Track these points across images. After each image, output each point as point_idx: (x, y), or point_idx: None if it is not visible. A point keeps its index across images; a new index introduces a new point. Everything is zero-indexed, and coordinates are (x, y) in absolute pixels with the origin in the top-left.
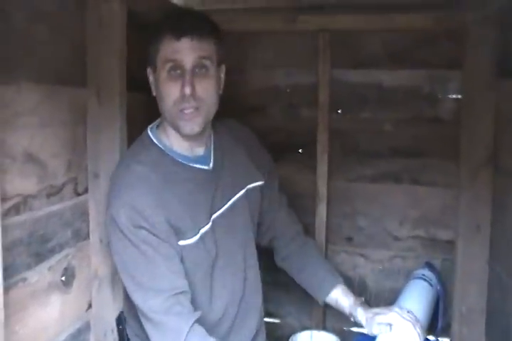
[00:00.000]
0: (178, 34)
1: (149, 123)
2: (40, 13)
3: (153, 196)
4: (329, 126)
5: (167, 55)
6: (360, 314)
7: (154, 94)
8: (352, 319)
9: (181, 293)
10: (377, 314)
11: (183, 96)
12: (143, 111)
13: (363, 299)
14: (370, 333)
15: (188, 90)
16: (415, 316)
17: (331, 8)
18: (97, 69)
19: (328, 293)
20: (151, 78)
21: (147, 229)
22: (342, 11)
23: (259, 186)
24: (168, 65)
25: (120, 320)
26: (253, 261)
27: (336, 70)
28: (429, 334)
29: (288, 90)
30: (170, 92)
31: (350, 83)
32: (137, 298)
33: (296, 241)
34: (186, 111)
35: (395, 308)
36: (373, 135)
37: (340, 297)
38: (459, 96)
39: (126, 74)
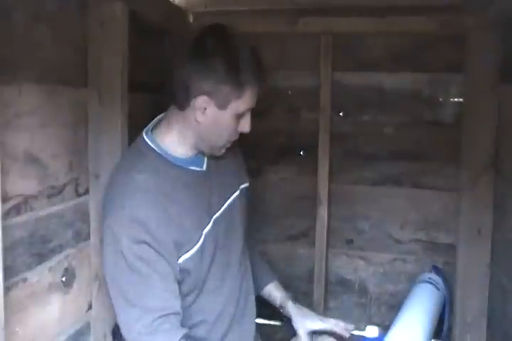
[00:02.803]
0: (261, 85)
1: None
2: (41, 14)
3: (156, 207)
4: (330, 128)
5: (250, 104)
6: (291, 308)
7: (200, 120)
8: (282, 311)
9: (172, 313)
10: (305, 317)
11: (238, 133)
12: (144, 112)
13: (291, 295)
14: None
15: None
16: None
17: (334, 11)
18: (98, 69)
19: (262, 287)
20: (204, 105)
21: (149, 244)
22: (344, 14)
23: (246, 188)
24: (245, 111)
25: (115, 334)
26: (247, 260)
27: (337, 73)
28: (435, 338)
29: (289, 92)
30: (232, 129)
31: (352, 86)
32: (125, 317)
33: None
34: (230, 144)
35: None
36: (374, 138)
37: (272, 290)
38: (461, 100)
39: (128, 74)
